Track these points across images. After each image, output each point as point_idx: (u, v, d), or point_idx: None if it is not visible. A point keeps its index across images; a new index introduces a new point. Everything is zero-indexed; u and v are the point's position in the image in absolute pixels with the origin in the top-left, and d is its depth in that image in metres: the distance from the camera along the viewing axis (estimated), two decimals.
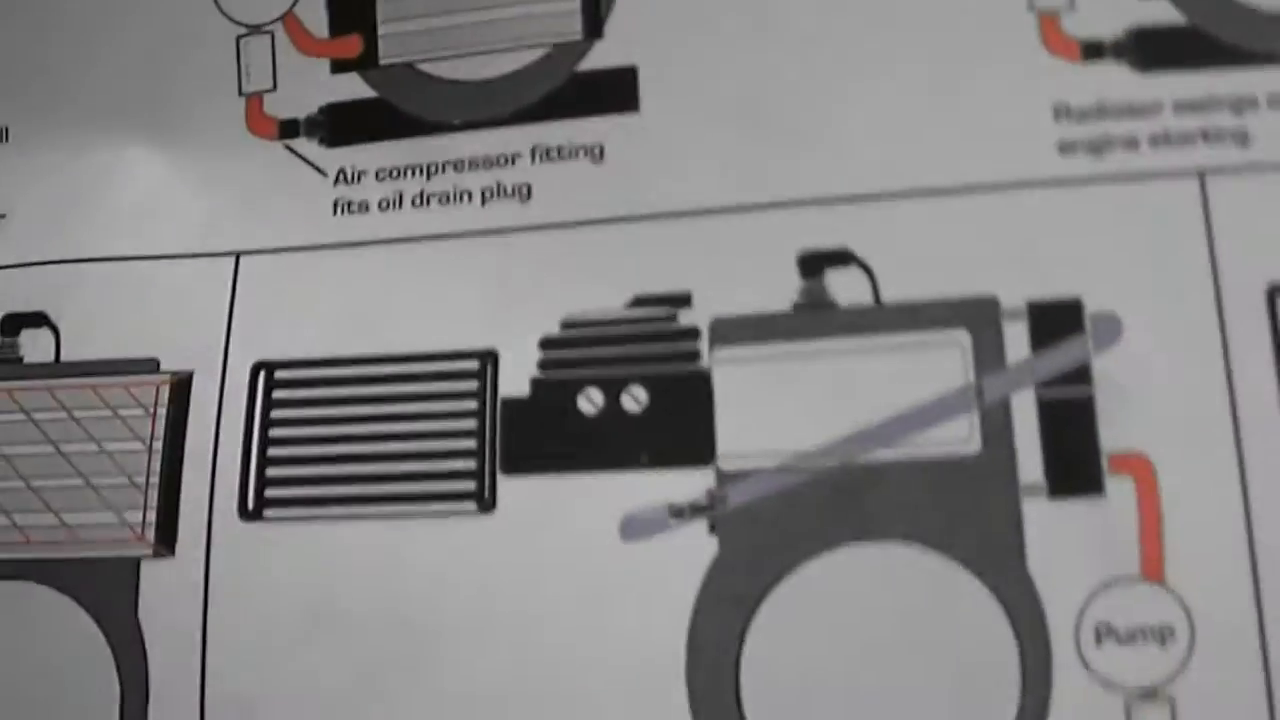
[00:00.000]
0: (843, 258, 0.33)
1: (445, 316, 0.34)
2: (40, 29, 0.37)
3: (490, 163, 0.35)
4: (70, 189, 0.36)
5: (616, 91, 0.34)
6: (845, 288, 0.33)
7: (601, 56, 0.35)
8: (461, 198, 0.35)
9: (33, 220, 0.36)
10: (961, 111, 0.33)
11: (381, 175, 0.35)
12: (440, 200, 0.35)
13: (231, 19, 0.36)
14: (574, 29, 0.35)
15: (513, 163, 0.34)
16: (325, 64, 0.36)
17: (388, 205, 0.35)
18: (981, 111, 0.33)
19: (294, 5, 0.36)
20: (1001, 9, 0.33)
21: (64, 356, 0.35)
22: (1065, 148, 0.32)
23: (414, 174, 0.35)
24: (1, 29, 0.38)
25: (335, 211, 0.35)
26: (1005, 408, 0.31)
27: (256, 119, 0.36)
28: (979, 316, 0.32)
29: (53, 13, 0.37)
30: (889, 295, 0.32)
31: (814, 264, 0.33)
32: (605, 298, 0.33)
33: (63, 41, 0.37)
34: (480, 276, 0.34)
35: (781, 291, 0.33)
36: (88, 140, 0.36)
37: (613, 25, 0.35)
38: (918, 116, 0.33)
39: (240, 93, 0.36)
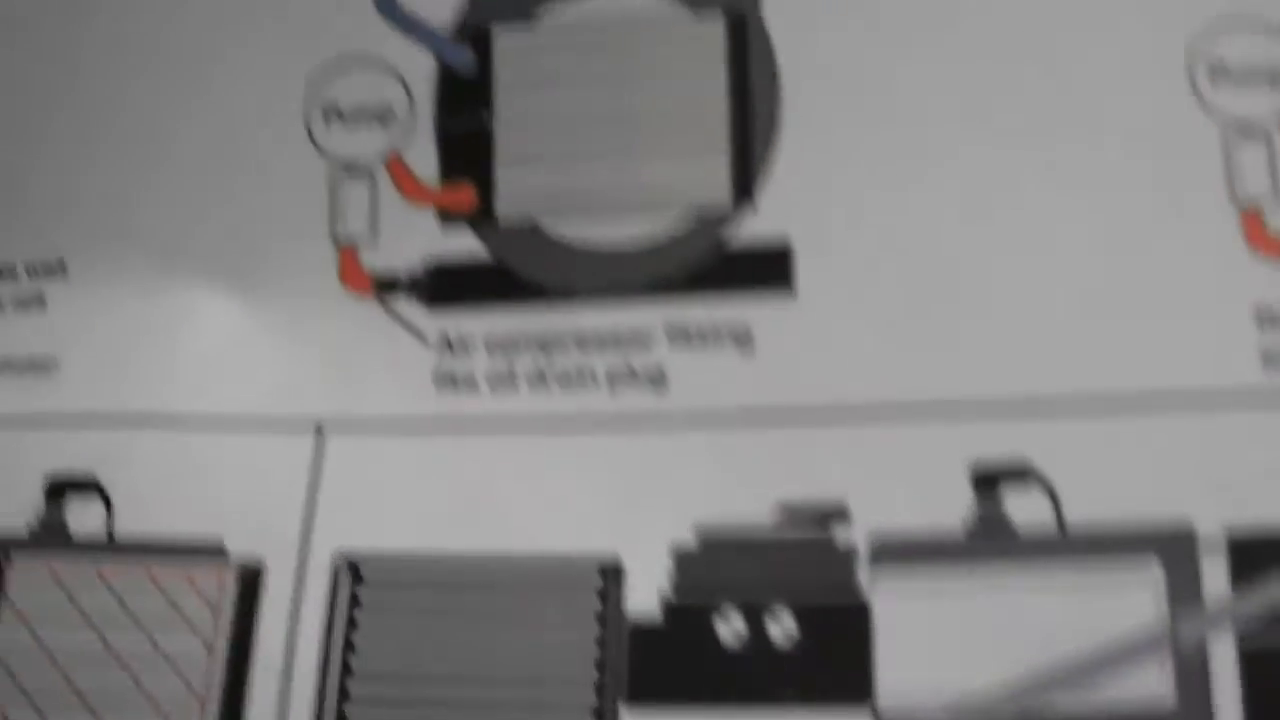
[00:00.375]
0: (1022, 473, 0.29)
1: (562, 517, 0.30)
2: (113, 151, 0.33)
3: (619, 342, 0.30)
4: (132, 335, 0.32)
5: (768, 268, 0.30)
6: (1021, 507, 0.29)
7: (752, 226, 0.31)
8: (585, 380, 0.30)
9: (88, 368, 0.32)
10: (1151, 312, 0.29)
11: (492, 347, 0.31)
12: (560, 381, 0.30)
13: (327, 154, 0.32)
14: (722, 193, 0.31)
15: (646, 344, 0.30)
16: (432, 214, 0.31)
17: (497, 382, 0.31)
18: (1173, 312, 0.29)
19: (400, 143, 0.32)
20: (1197, 200, 0.30)
21: (116, 531, 0.31)
22: (1270, 358, 0.29)
23: (530, 348, 0.31)
24: (68, 148, 0.33)
25: (436, 385, 0.31)
26: (1203, 654, 0.27)
27: (350, 271, 0.32)
28: (1173, 546, 0.28)
29: (128, 134, 0.33)
30: (1071, 516, 0.28)
31: (989, 478, 0.29)
32: (747, 505, 0.29)
33: (136, 167, 0.33)
34: (604, 475, 0.30)
35: (950, 507, 0.29)
36: (156, 280, 0.32)
37: (766, 191, 0.31)
38: (1102, 315, 0.29)
39: (333, 240, 0.32)
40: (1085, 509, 0.29)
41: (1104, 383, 0.29)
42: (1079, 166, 0.30)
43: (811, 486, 0.29)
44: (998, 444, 0.29)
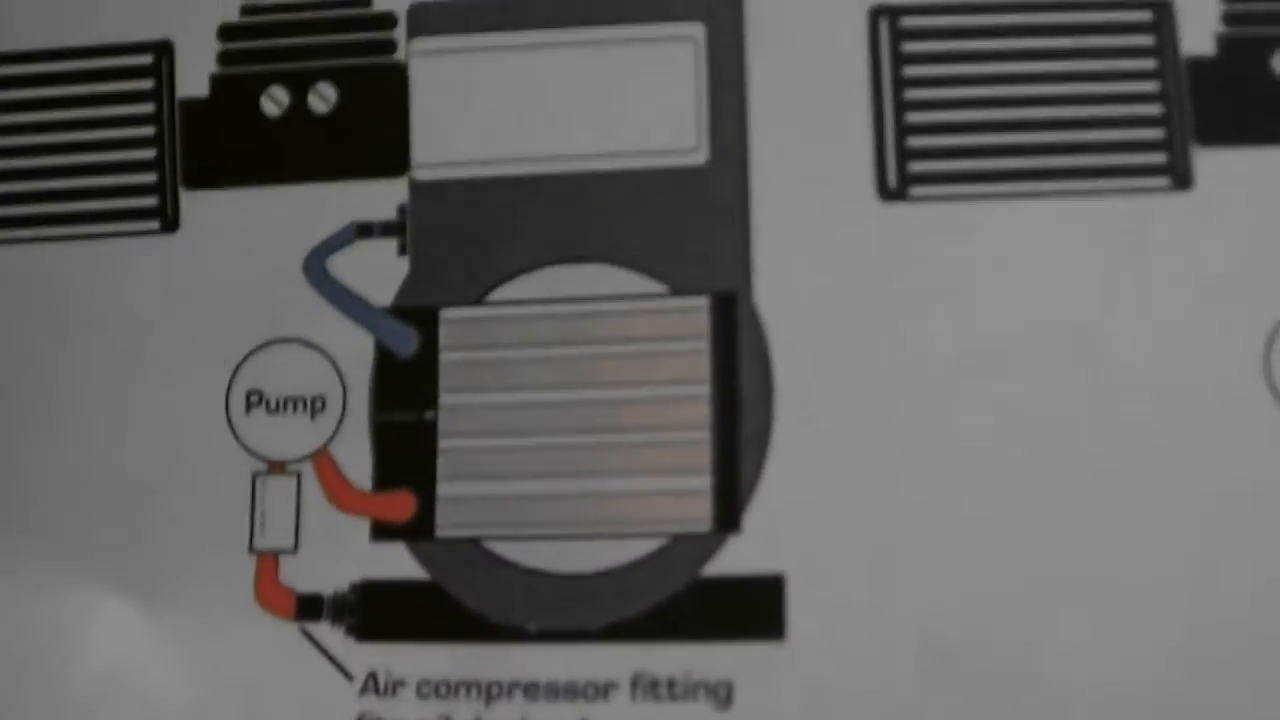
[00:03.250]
0: None
1: None
2: (19, 433, 0.28)
3: (574, 693, 0.26)
4: (23, 644, 0.27)
5: (754, 608, 0.26)
6: None
7: (736, 557, 0.25)
8: None
9: None
10: (1236, 677, 0.24)
11: (425, 690, 0.26)
12: None
13: (249, 450, 0.27)
14: (701, 516, 0.26)
15: (605, 696, 0.25)
16: (364, 525, 0.27)
17: None
18: (1260, 678, 0.24)
19: (330, 440, 0.27)
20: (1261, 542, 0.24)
21: None
22: None
23: (469, 694, 0.26)
24: None
25: None
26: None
27: (268, 588, 0.27)
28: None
29: (36, 417, 0.28)
30: None
31: None
32: None
33: (44, 451, 0.28)
34: None
35: None
36: (56, 583, 0.27)
37: (755, 514, 0.26)
38: (1168, 675, 0.24)
39: (251, 549, 0.27)
40: None
41: None
42: (1133, 505, 0.25)
43: None
44: None
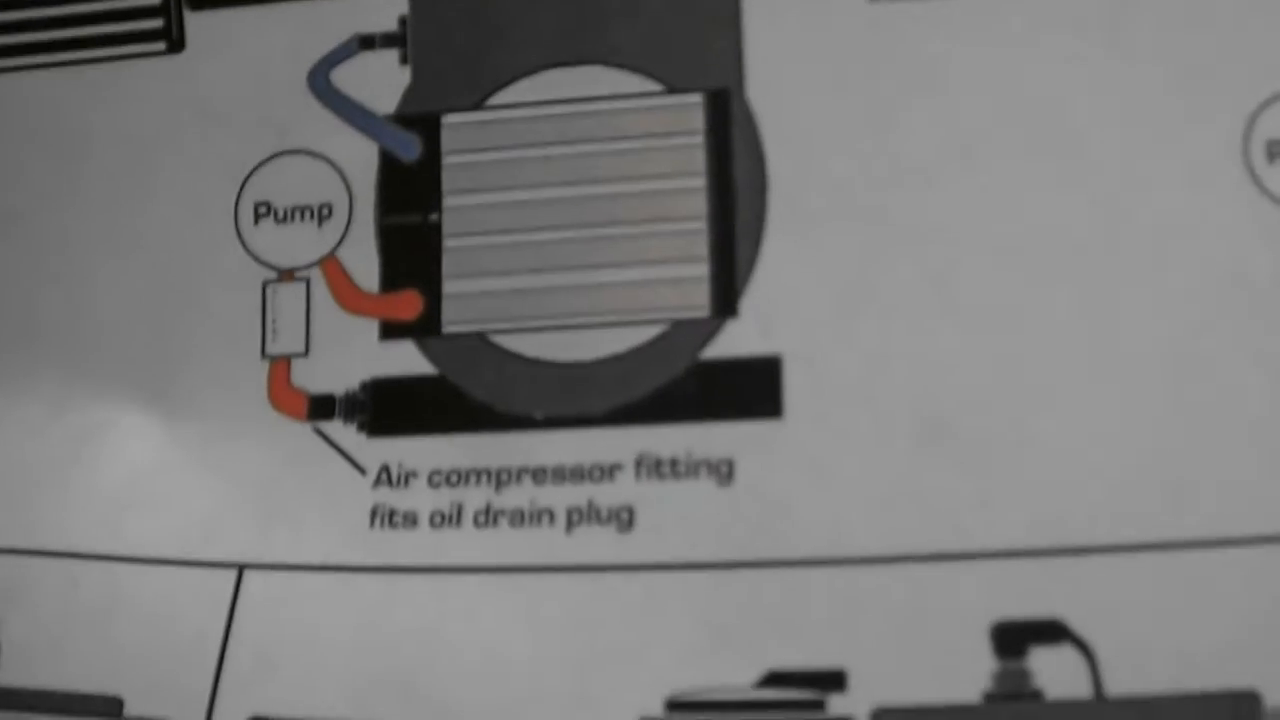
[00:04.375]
0: (1054, 632, 0.24)
1: (513, 675, 0.25)
2: (20, 250, 0.29)
3: (580, 475, 0.26)
4: (43, 458, 0.28)
5: (752, 389, 0.26)
6: (1056, 674, 0.24)
7: (734, 341, 0.26)
8: (541, 519, 0.26)
9: None
10: (1208, 436, 0.25)
11: (436, 480, 0.27)
12: (512, 520, 0.26)
13: (258, 259, 0.28)
14: (699, 302, 0.26)
15: (610, 476, 0.26)
16: (373, 326, 0.28)
17: (442, 520, 0.27)
18: (1236, 437, 0.25)
19: (337, 246, 0.28)
20: (1261, 299, 0.25)
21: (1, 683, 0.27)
22: None
23: (479, 481, 0.27)
24: None
25: (373, 523, 0.27)
26: None
27: (281, 391, 0.28)
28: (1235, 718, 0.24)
29: (49, 237, 0.29)
30: (1115, 686, 0.24)
31: (1014, 639, 0.24)
32: (727, 669, 0.25)
33: (58, 271, 0.29)
34: (560, 628, 0.25)
35: (969, 674, 0.24)
36: (72, 398, 0.28)
37: (751, 299, 0.26)
38: (1151, 442, 0.25)
39: (263, 354, 0.28)
40: (1127, 675, 0.24)
41: (1153, 532, 0.25)
42: (1117, 285, 0.25)
43: (804, 649, 0.25)
44: (1026, 602, 0.25)
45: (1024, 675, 0.25)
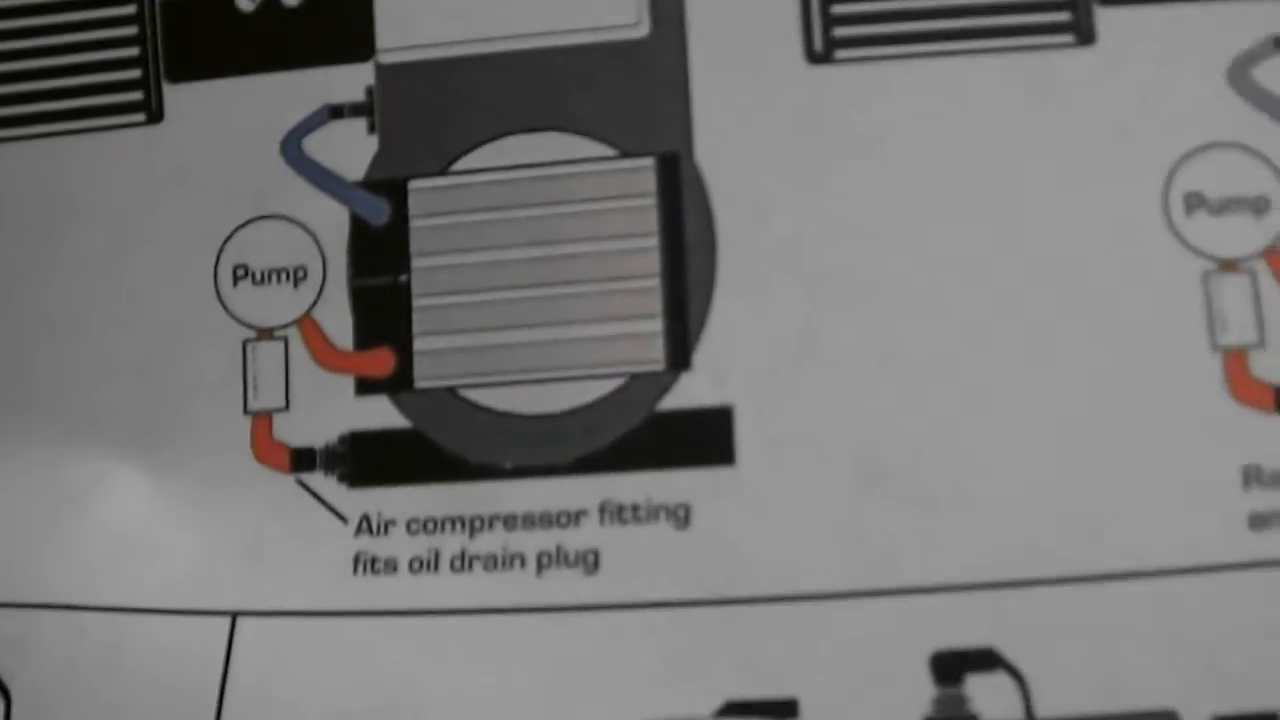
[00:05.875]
0: (988, 660, 0.26)
1: (489, 710, 0.27)
2: (18, 323, 0.31)
3: (549, 521, 0.28)
4: (40, 516, 0.30)
5: (707, 438, 0.28)
6: (990, 699, 0.26)
7: (688, 393, 0.28)
8: (512, 563, 0.28)
9: None
10: (1128, 476, 0.27)
11: (414, 527, 0.29)
12: (485, 565, 0.28)
13: (238, 319, 0.30)
14: (655, 356, 0.28)
15: (577, 522, 0.28)
16: (349, 382, 0.29)
17: (421, 566, 0.28)
18: (1152, 476, 0.27)
19: (313, 307, 0.30)
20: (1176, 346, 0.27)
21: None
22: (1257, 522, 0.27)
23: (454, 528, 0.28)
24: None
25: (355, 569, 0.28)
26: None
27: (264, 445, 0.29)
28: None
29: (34, 306, 0.30)
30: (1044, 709, 0.26)
31: (951, 667, 0.26)
32: (688, 700, 0.27)
33: (44, 338, 0.31)
34: (533, 665, 0.27)
35: (911, 700, 0.26)
36: (66, 456, 0.30)
37: (703, 353, 0.28)
38: (1076, 482, 0.27)
39: (245, 410, 0.29)
40: (1061, 703, 0.26)
41: (1079, 564, 0.27)
42: (1046, 337, 0.27)
43: (758, 682, 0.27)
44: (963, 633, 0.27)
45: (961, 701, 0.26)
